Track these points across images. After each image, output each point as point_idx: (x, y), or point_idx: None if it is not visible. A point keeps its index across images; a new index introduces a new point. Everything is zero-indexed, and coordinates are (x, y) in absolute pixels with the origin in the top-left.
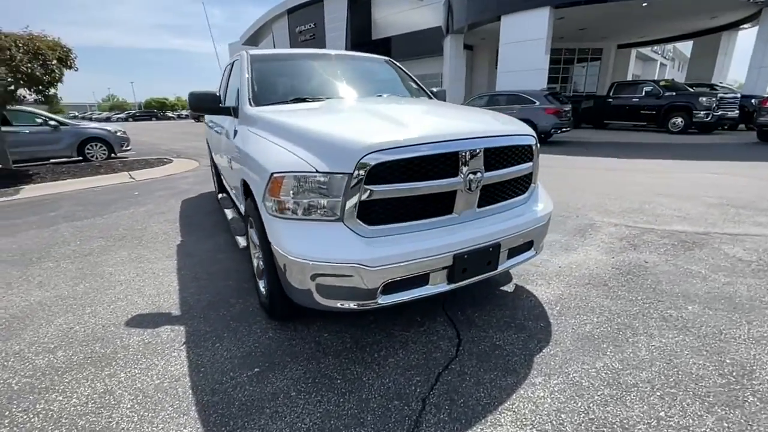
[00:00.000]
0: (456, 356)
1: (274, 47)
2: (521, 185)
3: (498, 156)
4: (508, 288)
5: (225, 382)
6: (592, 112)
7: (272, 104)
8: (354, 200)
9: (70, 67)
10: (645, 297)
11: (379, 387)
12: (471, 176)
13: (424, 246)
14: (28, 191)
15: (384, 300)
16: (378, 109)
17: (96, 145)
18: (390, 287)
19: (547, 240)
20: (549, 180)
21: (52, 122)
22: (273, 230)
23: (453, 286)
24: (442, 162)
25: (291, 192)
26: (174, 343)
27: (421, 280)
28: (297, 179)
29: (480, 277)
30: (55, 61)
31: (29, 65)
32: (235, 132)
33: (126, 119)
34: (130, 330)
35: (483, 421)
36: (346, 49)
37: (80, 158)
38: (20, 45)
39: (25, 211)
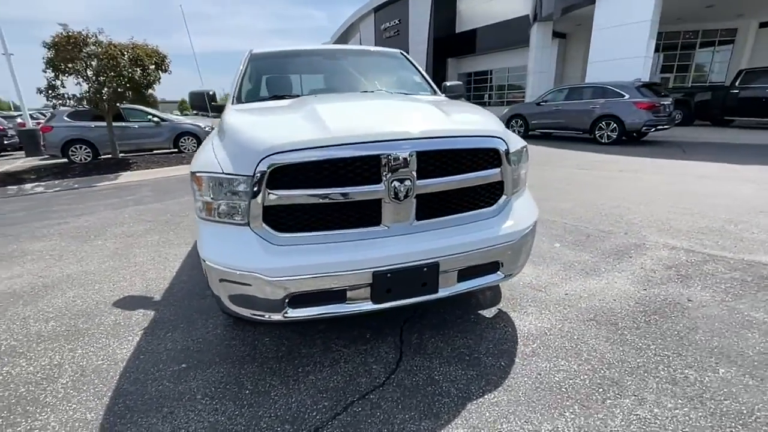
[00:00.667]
0: (382, 385)
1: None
2: (485, 196)
3: (444, 161)
4: (488, 312)
5: (151, 373)
6: (709, 107)
7: (251, 102)
8: (258, 204)
9: (165, 71)
10: (662, 347)
11: (281, 406)
12: (396, 184)
13: (333, 259)
14: (124, 177)
15: (294, 313)
16: (318, 107)
17: (188, 138)
18: (299, 300)
19: (569, 260)
20: (613, 187)
21: (156, 119)
22: (197, 231)
23: (379, 306)
24: (359, 166)
25: (209, 193)
26: (136, 328)
27: (336, 296)
28: (209, 180)
29: (414, 299)
30: (152, 67)
31: (130, 70)
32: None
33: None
34: (112, 309)
35: None
36: (428, 43)
37: (176, 150)
38: (124, 53)
39: (113, 194)
